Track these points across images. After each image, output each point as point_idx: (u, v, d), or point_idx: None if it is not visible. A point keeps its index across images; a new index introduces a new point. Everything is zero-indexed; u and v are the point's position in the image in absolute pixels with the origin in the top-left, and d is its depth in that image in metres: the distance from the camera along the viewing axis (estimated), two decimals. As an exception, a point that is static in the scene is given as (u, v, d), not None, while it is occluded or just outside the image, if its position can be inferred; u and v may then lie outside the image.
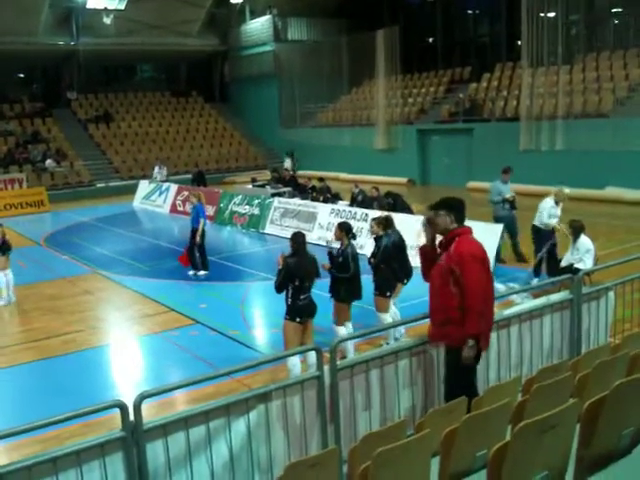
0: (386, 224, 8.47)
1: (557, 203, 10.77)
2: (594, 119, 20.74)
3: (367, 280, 8.43)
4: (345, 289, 7.87)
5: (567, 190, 10.90)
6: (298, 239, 7.26)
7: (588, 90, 21.94)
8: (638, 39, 22.79)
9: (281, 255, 7.18)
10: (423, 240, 5.34)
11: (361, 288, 8.05)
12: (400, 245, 8.63)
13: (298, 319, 7.14)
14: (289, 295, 7.11)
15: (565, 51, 22.27)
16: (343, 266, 7.79)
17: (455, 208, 5.08)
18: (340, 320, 7.94)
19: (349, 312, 8.05)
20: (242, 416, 4.52)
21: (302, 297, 7.12)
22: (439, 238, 5.18)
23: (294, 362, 7.09)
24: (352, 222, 14.55)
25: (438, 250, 5.17)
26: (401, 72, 28.27)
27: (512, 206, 12.35)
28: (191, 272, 13.00)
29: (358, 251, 8.20)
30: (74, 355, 8.96)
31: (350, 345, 7.80)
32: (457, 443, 3.37)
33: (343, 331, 7.84)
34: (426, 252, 5.29)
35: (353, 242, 8.04)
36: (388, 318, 8.32)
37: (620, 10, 24.36)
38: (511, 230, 12.31)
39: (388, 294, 8.31)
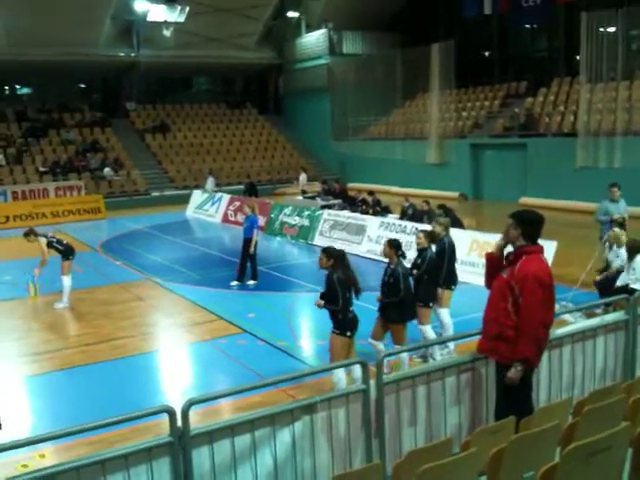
0: (432, 237, 8.48)
1: (611, 247, 10.04)
2: (655, 136, 20.18)
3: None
4: (397, 311, 7.64)
5: (618, 230, 10.00)
6: (333, 252, 7.14)
7: (648, 106, 21.38)
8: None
9: (317, 303, 7.09)
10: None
11: (414, 306, 7.90)
12: (454, 249, 8.71)
13: (349, 333, 7.06)
14: (339, 309, 7.00)
15: (625, 66, 21.75)
16: (394, 287, 7.56)
17: (526, 223, 4.85)
18: (399, 341, 7.66)
19: (405, 332, 7.78)
20: (287, 426, 4.53)
21: (350, 309, 7.07)
22: (510, 248, 4.99)
23: (340, 376, 7.04)
24: (402, 236, 14.54)
25: (504, 262, 5.01)
26: (455, 86, 28.06)
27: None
28: (234, 282, 13.10)
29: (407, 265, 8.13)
30: (124, 360, 9.13)
31: (405, 359, 7.70)
32: (504, 463, 3.31)
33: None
34: (492, 259, 5.12)
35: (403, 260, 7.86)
36: (430, 331, 8.24)
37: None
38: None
39: (430, 305, 8.33)
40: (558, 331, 5.78)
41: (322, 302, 7.03)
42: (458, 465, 3.21)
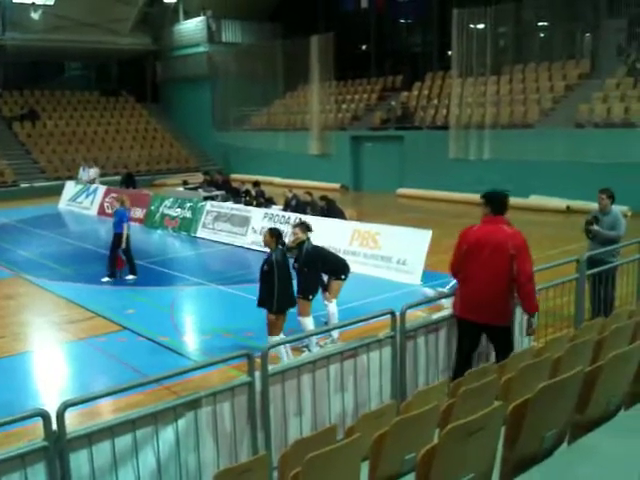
0: (306, 229, 8.43)
1: None
2: (520, 129, 21.43)
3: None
4: (271, 301, 7.50)
5: None
6: None
7: (515, 101, 22.66)
8: (563, 52, 23.70)
9: None
10: None
11: (292, 296, 7.74)
12: (317, 257, 8.44)
13: None
14: None
15: (493, 62, 22.93)
16: (268, 275, 7.44)
17: (488, 200, 6.07)
18: (273, 332, 7.56)
19: (281, 321, 7.64)
20: (170, 424, 4.44)
21: None
22: None
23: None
24: (285, 227, 14.56)
25: None
26: (335, 78, 28.47)
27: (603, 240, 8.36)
28: (105, 279, 12.63)
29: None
30: (-6, 362, 8.59)
31: (282, 352, 7.67)
32: (386, 447, 3.39)
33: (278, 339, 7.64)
34: None
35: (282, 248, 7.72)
36: (309, 324, 8.26)
37: (546, 24, 25.28)
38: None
39: (310, 297, 8.20)
40: (434, 316, 6.03)
41: None
42: (342, 451, 3.24)
